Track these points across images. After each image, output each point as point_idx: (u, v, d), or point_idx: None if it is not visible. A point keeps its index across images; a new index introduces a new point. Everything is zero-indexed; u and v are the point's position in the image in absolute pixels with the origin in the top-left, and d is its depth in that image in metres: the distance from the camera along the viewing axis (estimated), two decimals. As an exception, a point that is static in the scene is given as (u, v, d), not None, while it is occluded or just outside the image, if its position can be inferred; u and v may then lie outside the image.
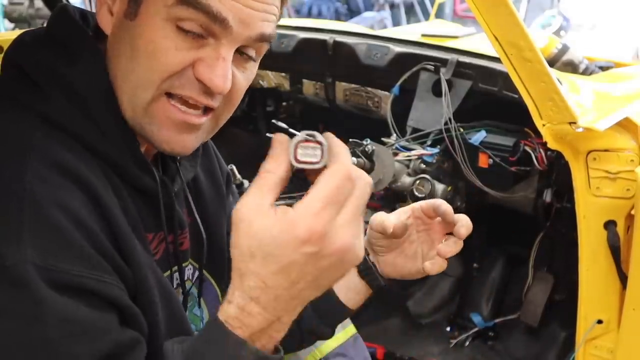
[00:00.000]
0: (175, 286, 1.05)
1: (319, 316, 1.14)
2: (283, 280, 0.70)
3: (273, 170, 0.73)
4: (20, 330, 0.72)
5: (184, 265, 1.06)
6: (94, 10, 0.96)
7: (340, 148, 0.74)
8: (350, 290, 1.14)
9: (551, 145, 1.31)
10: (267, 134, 1.89)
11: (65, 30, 0.91)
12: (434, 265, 1.05)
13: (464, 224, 1.01)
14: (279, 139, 0.75)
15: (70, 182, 0.79)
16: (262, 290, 0.70)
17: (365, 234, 1.01)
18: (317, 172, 0.70)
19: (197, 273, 1.09)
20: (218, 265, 1.14)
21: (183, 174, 1.02)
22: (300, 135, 0.71)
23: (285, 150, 0.73)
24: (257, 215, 0.70)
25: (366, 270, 1.12)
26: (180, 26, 0.82)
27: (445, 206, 1.03)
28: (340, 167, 0.71)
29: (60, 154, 0.81)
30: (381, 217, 1.07)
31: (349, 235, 0.70)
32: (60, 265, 0.74)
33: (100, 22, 0.88)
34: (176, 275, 1.04)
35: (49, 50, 0.89)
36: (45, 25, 0.95)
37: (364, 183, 0.72)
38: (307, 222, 0.69)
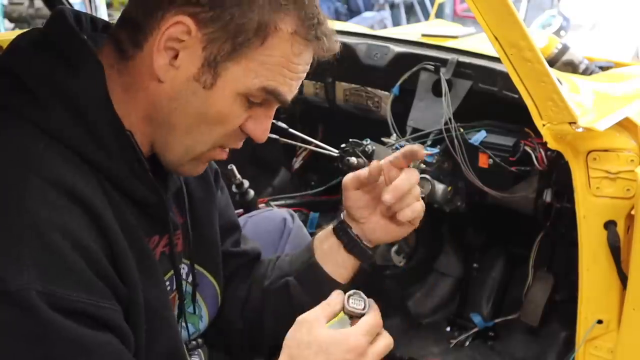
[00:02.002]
0: (174, 288, 1.06)
1: (307, 292, 1.16)
2: None
3: (332, 305, 0.97)
4: (26, 350, 0.75)
5: (180, 266, 1.07)
6: (93, 13, 0.95)
7: (375, 305, 0.99)
8: (339, 266, 1.18)
9: (551, 145, 1.31)
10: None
11: (64, 39, 0.90)
12: (407, 211, 1.10)
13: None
14: (339, 292, 1.00)
15: (70, 201, 0.81)
16: None
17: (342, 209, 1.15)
18: (359, 316, 0.98)
19: (188, 270, 1.10)
20: (213, 260, 1.16)
21: (175, 178, 1.04)
22: (352, 291, 1.01)
23: (341, 299, 0.98)
24: (318, 323, 0.94)
25: (352, 243, 1.16)
26: (249, 99, 0.92)
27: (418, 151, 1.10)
28: (376, 315, 0.97)
29: (60, 171, 0.82)
30: (352, 173, 1.15)
31: None
32: (60, 291, 0.77)
33: (158, 69, 0.89)
34: (173, 278, 1.06)
35: (48, 60, 0.88)
36: (41, 28, 0.94)
37: (388, 342, 0.97)
38: (357, 338, 0.92)
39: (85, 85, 0.87)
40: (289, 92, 0.94)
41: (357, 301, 0.99)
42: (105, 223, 0.84)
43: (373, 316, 0.97)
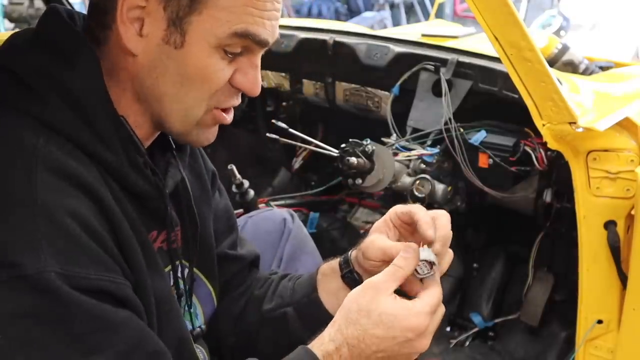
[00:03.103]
0: (171, 284, 1.06)
1: (306, 327, 1.13)
2: (375, 344, 0.90)
3: (403, 267, 0.94)
4: (52, 332, 0.75)
5: (177, 263, 1.07)
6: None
7: (440, 267, 0.99)
8: (340, 299, 1.11)
9: (551, 145, 1.31)
10: (267, 134, 1.90)
11: (59, 33, 0.90)
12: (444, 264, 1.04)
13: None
14: (412, 247, 0.96)
15: (76, 188, 0.81)
16: (358, 341, 0.90)
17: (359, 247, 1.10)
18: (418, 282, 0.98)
19: (187, 271, 1.10)
20: (208, 262, 1.16)
21: (173, 175, 1.04)
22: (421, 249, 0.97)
23: (415, 256, 0.95)
24: (384, 291, 0.91)
25: (355, 284, 1.07)
26: (227, 50, 0.90)
27: (420, 215, 1.03)
28: (439, 288, 0.96)
29: (64, 161, 0.82)
30: (380, 245, 1.06)
31: (426, 344, 0.95)
32: (78, 270, 0.77)
33: (128, 42, 0.88)
34: (170, 273, 1.06)
35: (44, 54, 0.88)
36: (34, 27, 0.94)
37: (443, 312, 0.97)
38: (420, 318, 0.91)
39: (82, 78, 0.87)
40: (264, 31, 0.90)
41: (425, 266, 0.95)
42: (110, 211, 0.84)
43: (438, 291, 0.94)
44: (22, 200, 0.78)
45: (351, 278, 1.12)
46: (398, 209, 1.08)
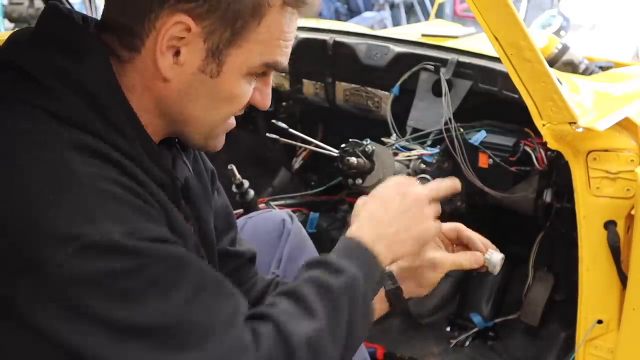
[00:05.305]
0: None
1: None
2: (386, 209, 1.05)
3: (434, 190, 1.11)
4: (134, 285, 0.78)
5: None
6: (92, 13, 0.95)
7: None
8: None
9: (551, 145, 1.31)
10: (267, 134, 1.90)
11: (62, 27, 0.91)
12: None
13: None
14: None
15: (109, 164, 0.84)
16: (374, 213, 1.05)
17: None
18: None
19: None
20: (211, 258, 1.16)
21: (181, 170, 1.06)
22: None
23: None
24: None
25: (394, 291, 1.17)
26: (251, 74, 0.96)
27: (470, 232, 1.23)
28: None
29: (87, 141, 0.84)
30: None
31: (430, 215, 1.07)
32: (135, 225, 0.81)
33: (163, 68, 0.90)
34: None
35: (49, 49, 0.88)
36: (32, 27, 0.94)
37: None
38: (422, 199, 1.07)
39: (92, 69, 0.88)
40: (286, 59, 0.98)
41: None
42: (141, 180, 0.88)
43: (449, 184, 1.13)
44: (63, 178, 0.80)
45: (395, 293, 1.17)
46: (444, 227, 1.21)
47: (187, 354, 0.80)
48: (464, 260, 1.18)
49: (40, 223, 0.76)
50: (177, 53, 0.90)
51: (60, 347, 0.76)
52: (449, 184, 1.12)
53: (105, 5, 0.95)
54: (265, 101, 1.02)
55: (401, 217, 1.04)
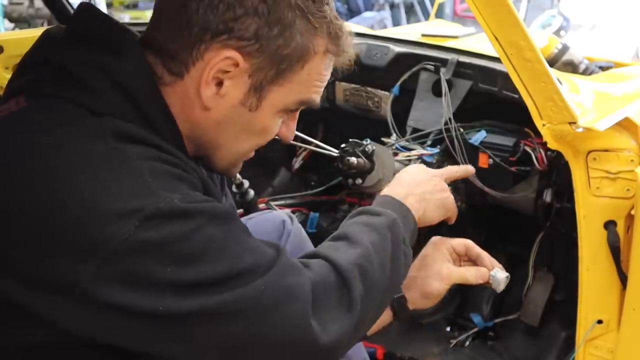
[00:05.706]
0: None
1: None
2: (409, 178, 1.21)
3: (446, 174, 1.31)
4: (191, 243, 0.82)
5: None
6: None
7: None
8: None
9: (551, 145, 1.31)
10: (267, 134, 1.89)
11: (101, 26, 0.94)
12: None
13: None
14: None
15: (148, 146, 0.88)
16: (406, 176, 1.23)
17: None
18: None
19: None
20: None
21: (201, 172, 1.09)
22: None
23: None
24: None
25: (398, 300, 1.20)
26: (286, 111, 1.02)
27: (478, 249, 1.29)
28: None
29: (127, 129, 0.87)
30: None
31: (448, 189, 1.25)
32: (189, 192, 0.86)
33: (205, 97, 0.94)
34: None
35: (89, 47, 0.91)
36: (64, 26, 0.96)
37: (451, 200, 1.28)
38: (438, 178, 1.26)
39: (132, 68, 0.91)
40: (319, 97, 1.05)
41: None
42: (181, 161, 0.91)
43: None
44: (112, 160, 0.83)
45: (399, 301, 1.20)
46: (454, 242, 1.28)
47: (252, 285, 0.85)
48: (470, 275, 1.24)
49: (99, 205, 0.79)
50: (219, 83, 0.93)
51: (136, 319, 0.80)
52: (463, 168, 1.27)
53: (151, 24, 0.97)
54: (290, 134, 1.08)
55: (426, 183, 1.19)
